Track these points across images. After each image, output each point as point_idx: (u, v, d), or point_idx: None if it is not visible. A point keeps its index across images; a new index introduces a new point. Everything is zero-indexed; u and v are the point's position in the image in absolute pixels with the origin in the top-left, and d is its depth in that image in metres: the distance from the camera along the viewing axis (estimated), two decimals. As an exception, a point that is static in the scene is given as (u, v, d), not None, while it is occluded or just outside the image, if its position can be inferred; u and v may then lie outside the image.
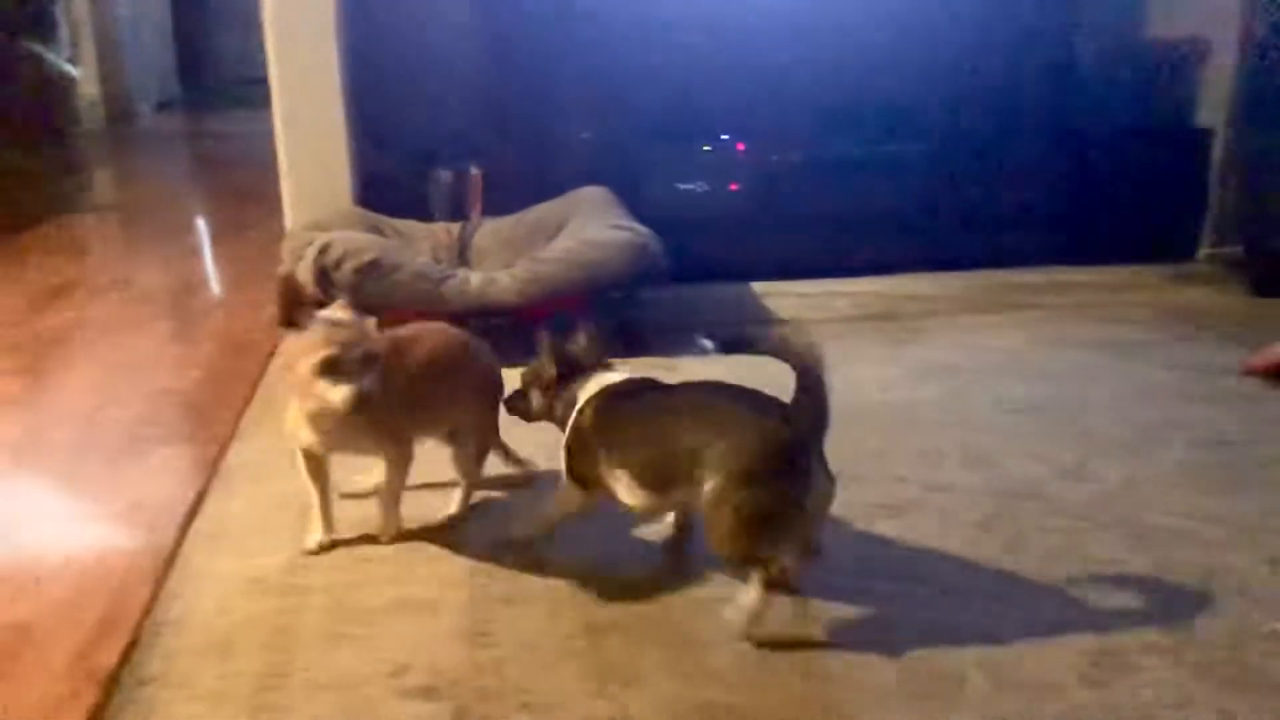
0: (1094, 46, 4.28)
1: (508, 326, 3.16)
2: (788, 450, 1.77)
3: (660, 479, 1.91)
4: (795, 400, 1.80)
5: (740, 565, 1.83)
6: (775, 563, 1.80)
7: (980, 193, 4.09)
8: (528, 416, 2.17)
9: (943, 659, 1.81)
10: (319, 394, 1.96)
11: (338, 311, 2.03)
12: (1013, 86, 4.08)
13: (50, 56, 7.39)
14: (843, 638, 1.88)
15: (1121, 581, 2.03)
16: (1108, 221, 4.16)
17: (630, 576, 2.07)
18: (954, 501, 2.35)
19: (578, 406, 2.04)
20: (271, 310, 3.75)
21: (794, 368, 1.80)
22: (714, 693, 1.74)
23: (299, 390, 2.02)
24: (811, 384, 1.78)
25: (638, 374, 2.08)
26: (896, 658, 1.82)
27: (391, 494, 2.20)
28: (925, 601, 1.97)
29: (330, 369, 1.93)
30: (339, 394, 1.93)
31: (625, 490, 1.96)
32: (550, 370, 2.08)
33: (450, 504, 2.32)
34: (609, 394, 2.03)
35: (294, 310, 1.99)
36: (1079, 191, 4.14)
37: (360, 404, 1.94)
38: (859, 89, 3.98)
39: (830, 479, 1.81)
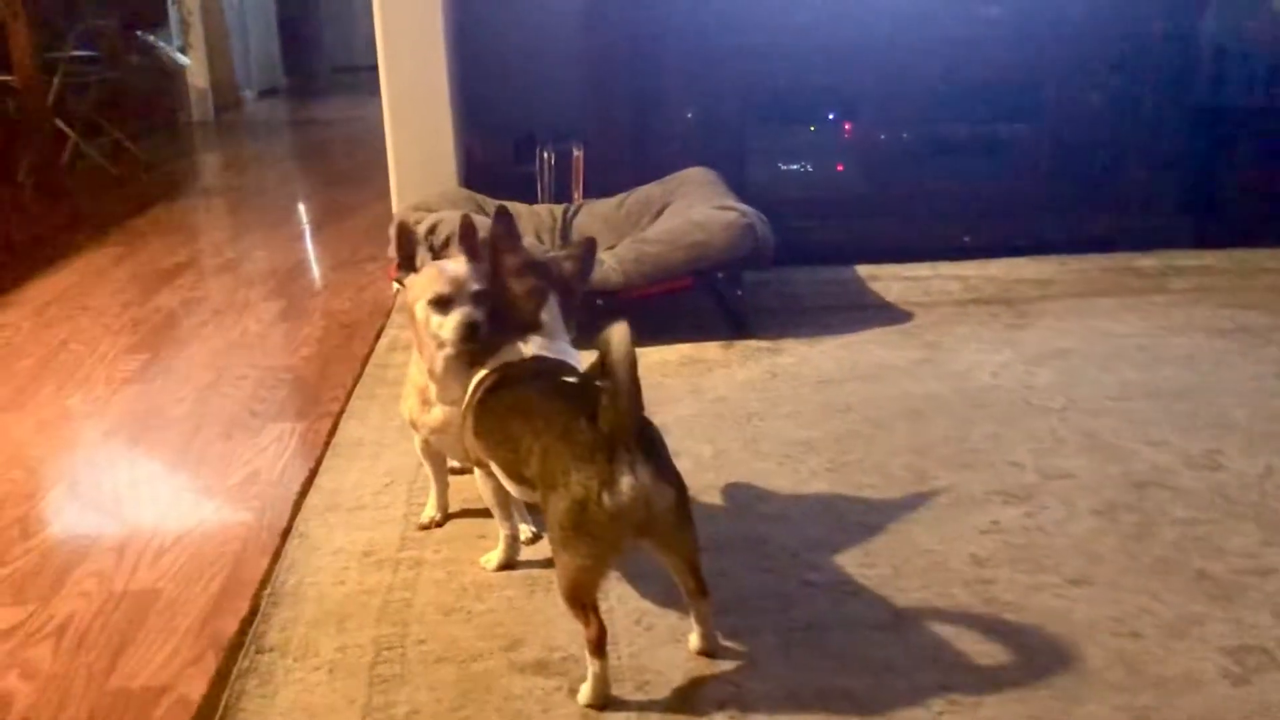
0: (1219, 19, 4.09)
1: (611, 308, 3.15)
2: (586, 448, 1.60)
3: (524, 479, 1.79)
4: (602, 392, 1.61)
5: (571, 608, 1.64)
6: (594, 619, 1.62)
7: (1096, 173, 3.94)
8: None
9: (1072, 651, 1.74)
10: (434, 330, 1.97)
11: (451, 259, 2.05)
12: (1132, 62, 3.92)
13: (162, 46, 7.62)
14: (965, 625, 1.82)
15: (1260, 575, 1.94)
16: (1232, 202, 3.98)
17: (742, 559, 2.04)
18: (1075, 489, 2.27)
19: (473, 383, 1.95)
20: (377, 292, 3.82)
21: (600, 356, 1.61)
22: (834, 677, 1.70)
23: (418, 339, 2.04)
24: (609, 372, 1.58)
25: (539, 353, 1.93)
26: (1023, 648, 1.76)
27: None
28: (1051, 591, 1.90)
29: (441, 305, 1.96)
30: (449, 323, 1.95)
31: (504, 481, 1.89)
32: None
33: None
34: (499, 379, 1.90)
35: (410, 256, 2.04)
36: (1201, 171, 3.96)
37: (470, 333, 1.94)
38: (970, 66, 3.86)
39: (655, 478, 1.60)
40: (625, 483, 1.58)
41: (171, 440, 2.73)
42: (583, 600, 1.62)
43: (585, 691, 1.65)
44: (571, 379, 1.82)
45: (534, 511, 2.14)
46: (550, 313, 1.98)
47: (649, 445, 1.63)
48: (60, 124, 5.98)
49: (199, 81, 8.21)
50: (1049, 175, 3.98)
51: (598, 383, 1.61)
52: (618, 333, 1.58)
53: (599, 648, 1.63)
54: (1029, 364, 2.94)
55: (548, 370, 1.89)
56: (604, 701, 1.65)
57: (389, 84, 3.66)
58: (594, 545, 1.61)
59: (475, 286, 1.98)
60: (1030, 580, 1.94)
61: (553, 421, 1.70)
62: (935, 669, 1.72)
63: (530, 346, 1.94)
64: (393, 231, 3.05)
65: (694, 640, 1.77)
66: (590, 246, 2.10)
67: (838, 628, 1.83)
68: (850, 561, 2.02)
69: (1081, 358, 2.97)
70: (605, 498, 1.58)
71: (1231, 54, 4.09)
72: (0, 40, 5.64)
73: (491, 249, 2.00)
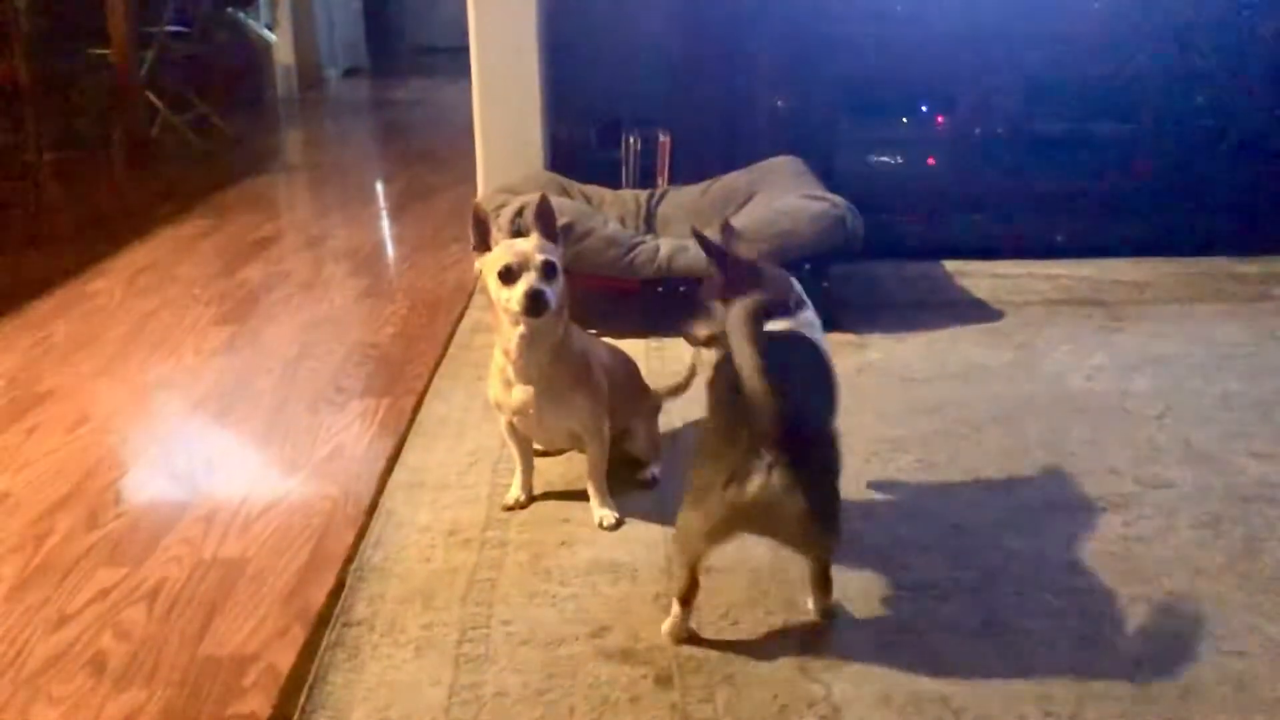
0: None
1: (695, 295, 3.12)
2: (731, 433, 1.63)
3: None
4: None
5: (675, 556, 1.78)
6: (688, 576, 1.73)
7: (1196, 174, 3.82)
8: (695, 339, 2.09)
9: (1177, 666, 1.68)
10: (503, 303, 1.99)
11: (526, 237, 2.05)
12: (1236, 59, 3.79)
13: (250, 22, 7.72)
14: (1061, 634, 1.77)
15: (1375, 597, 1.86)
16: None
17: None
18: (1176, 499, 2.19)
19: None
20: (460, 272, 3.83)
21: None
22: (925, 681, 1.66)
23: (496, 319, 2.06)
24: (740, 374, 1.58)
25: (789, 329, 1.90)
26: (1123, 661, 1.70)
27: (598, 473, 2.17)
28: (1153, 604, 1.84)
29: (508, 277, 1.97)
30: (515, 294, 1.95)
31: None
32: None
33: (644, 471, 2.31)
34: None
35: (484, 236, 2.05)
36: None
37: (535, 302, 1.95)
38: (1068, 60, 3.76)
39: (788, 486, 1.58)
40: (754, 483, 1.59)
41: (258, 412, 2.76)
42: (686, 556, 1.72)
43: (666, 625, 1.78)
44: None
45: (616, 496, 2.14)
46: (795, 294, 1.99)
47: (800, 452, 1.60)
48: (151, 97, 6.09)
49: (285, 59, 8.30)
50: (1147, 175, 3.86)
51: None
52: (737, 331, 1.57)
53: (685, 600, 1.75)
54: (1126, 369, 2.85)
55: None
56: (681, 638, 1.76)
57: (479, 66, 3.66)
58: (706, 524, 1.66)
59: (542, 258, 1.97)
60: (1130, 591, 1.88)
61: (713, 406, 1.78)
62: (1031, 678, 1.67)
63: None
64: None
65: (811, 604, 1.83)
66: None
67: (930, 631, 1.79)
68: (942, 564, 1.97)
69: (1180, 364, 2.88)
70: (730, 490, 1.60)
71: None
72: (99, 14, 5.76)
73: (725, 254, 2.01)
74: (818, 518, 1.64)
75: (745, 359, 1.56)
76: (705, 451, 1.72)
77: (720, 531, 1.68)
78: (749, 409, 1.57)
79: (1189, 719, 1.57)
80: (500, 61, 3.66)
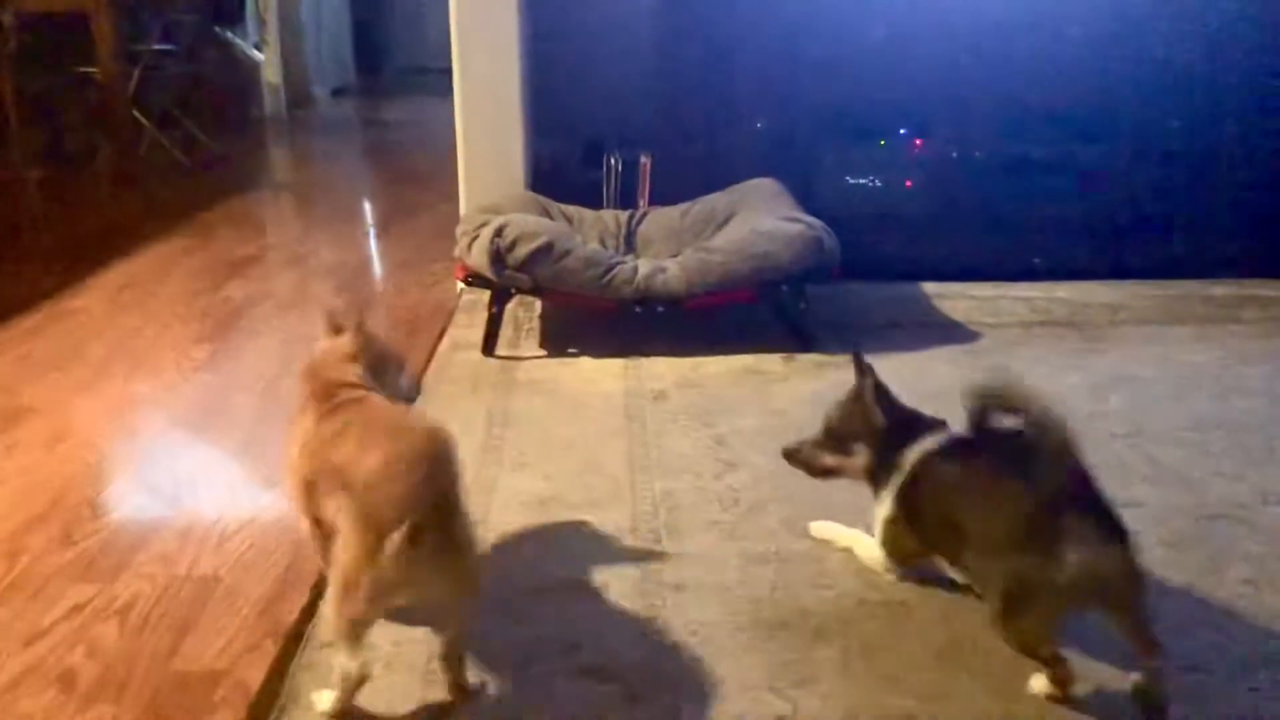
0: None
1: (673, 316, 3.15)
2: (1025, 521, 1.59)
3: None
4: (1029, 455, 1.59)
5: (1026, 656, 1.67)
6: (1058, 662, 1.64)
7: (1172, 198, 3.87)
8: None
9: (1139, 683, 1.70)
10: None
11: None
12: (1214, 86, 3.84)
13: (238, 42, 7.75)
14: (1027, 653, 1.79)
15: (1336, 616, 1.88)
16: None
17: (800, 575, 2.02)
18: (1143, 518, 2.21)
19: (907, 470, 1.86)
20: (441, 291, 3.84)
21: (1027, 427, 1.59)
22: (891, 699, 1.68)
23: None
24: (1039, 424, 1.58)
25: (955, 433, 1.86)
26: (1085, 679, 1.72)
27: None
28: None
29: None
30: None
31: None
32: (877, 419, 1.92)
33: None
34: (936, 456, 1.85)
35: None
36: (1281, 199, 3.88)
37: None
38: (1047, 85, 3.81)
39: (1100, 541, 1.56)
40: (1078, 552, 1.54)
41: (237, 429, 2.77)
42: (1038, 654, 1.65)
43: (1041, 688, 1.67)
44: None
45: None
46: None
47: (1090, 498, 1.59)
48: (138, 115, 6.11)
49: (273, 78, 8.33)
50: (1123, 198, 3.91)
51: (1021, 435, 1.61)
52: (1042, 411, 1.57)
53: (1064, 686, 1.65)
54: (1098, 389, 2.88)
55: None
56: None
57: (462, 86, 3.69)
58: (1042, 616, 1.62)
59: None
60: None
61: (988, 490, 1.70)
62: (996, 698, 1.69)
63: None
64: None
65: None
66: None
67: (895, 649, 1.80)
68: (908, 582, 1.99)
69: (1152, 385, 2.91)
70: (1054, 575, 1.55)
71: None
72: (85, 31, 5.78)
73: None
74: (1132, 556, 1.59)
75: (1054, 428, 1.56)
76: (993, 549, 1.65)
77: (1059, 615, 1.63)
78: (1043, 475, 1.56)
79: (1149, 736, 1.60)
80: (483, 82, 3.69)
